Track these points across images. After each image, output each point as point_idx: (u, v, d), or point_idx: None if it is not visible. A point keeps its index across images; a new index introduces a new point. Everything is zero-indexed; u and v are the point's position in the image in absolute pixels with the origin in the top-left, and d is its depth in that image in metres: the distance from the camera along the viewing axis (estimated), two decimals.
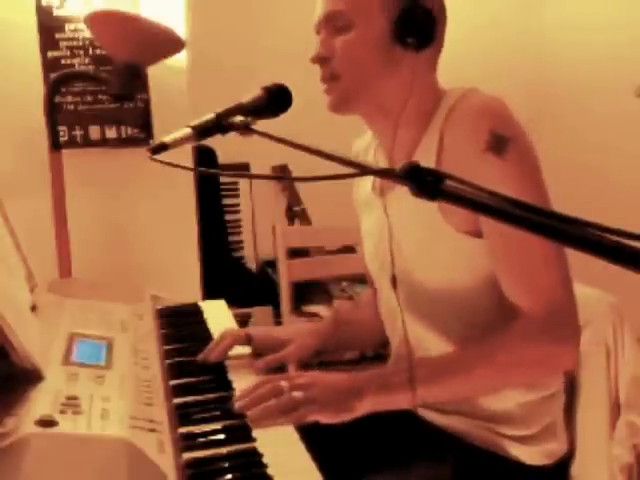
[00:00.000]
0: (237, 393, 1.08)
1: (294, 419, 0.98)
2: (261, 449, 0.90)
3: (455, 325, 1.12)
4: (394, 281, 1.16)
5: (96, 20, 1.87)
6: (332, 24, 1.10)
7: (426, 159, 1.07)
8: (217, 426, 0.97)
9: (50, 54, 2.16)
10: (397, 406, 1.04)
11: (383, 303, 1.26)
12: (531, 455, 1.13)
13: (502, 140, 1.00)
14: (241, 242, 3.29)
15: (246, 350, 1.28)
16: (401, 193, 1.12)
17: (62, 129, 2.17)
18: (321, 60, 1.11)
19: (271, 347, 1.27)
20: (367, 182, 1.25)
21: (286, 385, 1.02)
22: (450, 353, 1.08)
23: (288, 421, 0.98)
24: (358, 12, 1.08)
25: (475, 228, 1.05)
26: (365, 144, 1.28)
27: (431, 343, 1.15)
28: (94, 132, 2.22)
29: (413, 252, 1.13)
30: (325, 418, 1.00)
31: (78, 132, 2.21)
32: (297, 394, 1.00)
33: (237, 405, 1.01)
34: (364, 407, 1.01)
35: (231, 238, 3.25)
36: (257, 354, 1.27)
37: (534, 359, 1.03)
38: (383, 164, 1.19)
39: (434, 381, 1.04)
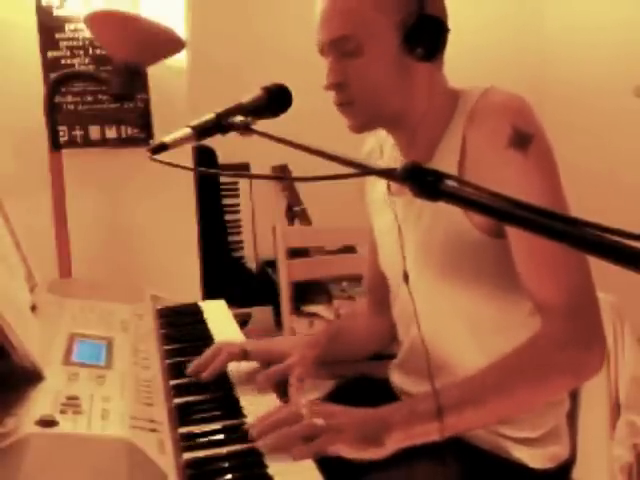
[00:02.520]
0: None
1: (314, 449, 0.90)
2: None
3: (475, 299, 1.10)
4: (406, 277, 1.16)
5: (96, 20, 1.87)
6: (339, 48, 1.08)
7: (449, 159, 1.07)
8: (217, 426, 0.97)
9: (50, 54, 2.16)
10: (430, 438, 0.96)
11: (396, 303, 1.26)
12: (534, 458, 1.12)
13: (524, 137, 1.00)
14: (241, 242, 3.29)
15: (252, 363, 1.22)
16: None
17: (62, 129, 2.18)
18: (336, 87, 1.10)
19: (269, 361, 1.21)
20: (381, 183, 1.24)
21: (306, 412, 0.94)
22: (477, 373, 1.01)
23: (307, 452, 0.89)
24: (366, 35, 1.06)
25: (496, 227, 1.04)
26: (380, 141, 1.27)
27: (446, 340, 1.14)
28: (94, 132, 2.23)
29: (433, 252, 1.12)
30: (350, 451, 0.92)
31: (78, 132, 2.21)
32: (318, 421, 0.93)
33: (251, 433, 0.93)
34: (394, 442, 0.94)
35: (231, 238, 3.26)
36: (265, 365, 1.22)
37: (564, 365, 1.00)
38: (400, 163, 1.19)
39: (466, 404, 0.98)
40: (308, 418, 0.93)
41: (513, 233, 1.03)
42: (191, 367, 1.15)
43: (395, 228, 1.18)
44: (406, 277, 1.15)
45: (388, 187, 1.22)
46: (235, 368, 1.19)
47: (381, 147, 1.27)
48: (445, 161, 1.07)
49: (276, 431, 0.91)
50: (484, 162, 1.03)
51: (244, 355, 1.20)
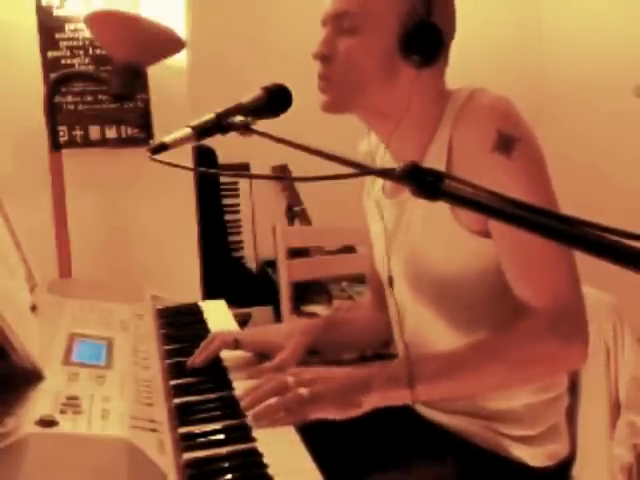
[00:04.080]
0: (239, 392, 1.08)
1: (299, 417, 0.97)
2: (261, 449, 0.90)
3: (458, 319, 1.12)
4: (390, 281, 1.16)
5: (96, 20, 1.87)
6: (339, 23, 1.09)
7: (437, 161, 1.07)
8: (217, 426, 0.97)
9: (50, 54, 2.16)
10: (404, 401, 1.02)
11: (389, 305, 1.27)
12: (534, 456, 1.12)
13: (509, 140, 1.01)
14: (241, 242, 3.29)
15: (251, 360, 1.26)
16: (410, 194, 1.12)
17: (62, 129, 2.18)
18: (322, 58, 1.10)
19: (261, 351, 1.26)
20: (376, 185, 1.25)
21: (292, 381, 1.01)
22: (458, 348, 1.06)
23: (293, 420, 0.97)
24: (367, 18, 1.06)
25: (485, 228, 1.05)
26: (375, 142, 1.27)
27: (434, 341, 1.15)
28: (94, 132, 2.23)
29: (423, 252, 1.13)
30: (331, 414, 0.99)
31: (78, 132, 2.21)
32: (302, 390, 0.99)
33: (242, 403, 1.01)
34: (371, 402, 1.00)
35: (231, 238, 3.25)
36: (261, 356, 1.25)
37: (542, 356, 1.02)
38: (391, 166, 1.19)
39: (441, 376, 1.03)
40: (294, 387, 1.00)
41: (499, 232, 1.03)
42: (189, 360, 1.20)
43: (387, 230, 1.18)
44: (390, 282, 1.16)
45: (383, 189, 1.23)
46: (235, 368, 1.20)
47: (376, 149, 1.27)
48: (434, 163, 1.06)
49: (263, 402, 0.98)
50: (470, 165, 1.03)
51: (236, 345, 1.25)
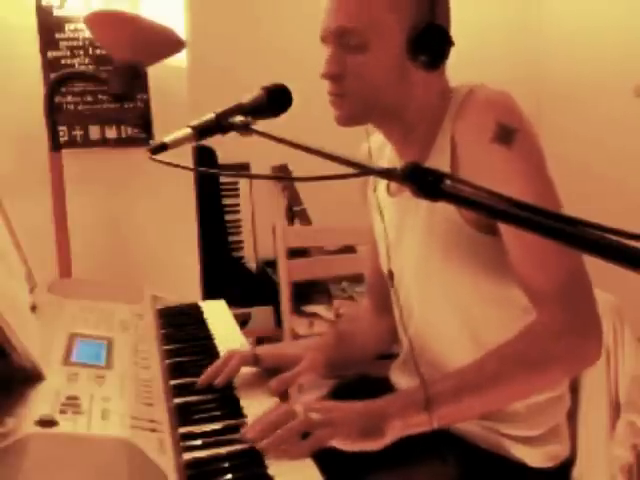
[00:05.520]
0: (248, 416, 1.01)
1: (312, 444, 0.90)
2: None
3: (464, 315, 1.12)
4: (391, 276, 1.16)
5: (96, 20, 1.87)
6: (344, 40, 1.07)
7: (442, 159, 1.07)
8: (217, 426, 0.97)
9: (50, 54, 2.16)
10: (426, 426, 0.96)
11: (393, 303, 1.26)
12: (534, 457, 1.12)
13: (509, 131, 1.00)
14: (241, 242, 3.29)
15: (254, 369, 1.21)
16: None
17: (62, 129, 2.17)
18: (332, 78, 1.09)
19: (281, 366, 1.20)
20: (382, 183, 1.25)
21: (301, 409, 0.95)
22: (473, 362, 1.02)
23: (306, 449, 0.90)
24: (374, 32, 1.05)
25: (489, 223, 1.04)
26: (380, 141, 1.26)
27: (443, 339, 1.15)
28: (94, 132, 2.23)
29: (431, 249, 1.12)
30: (349, 444, 0.93)
31: (78, 132, 2.21)
32: (314, 415, 0.93)
33: (248, 436, 0.92)
34: (394, 432, 0.95)
35: (231, 238, 3.26)
36: (268, 372, 1.20)
37: (562, 353, 1.00)
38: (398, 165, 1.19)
39: (460, 393, 0.99)
40: (303, 416, 0.93)
41: (506, 229, 1.03)
42: (202, 377, 1.12)
43: (391, 228, 1.18)
44: (391, 276, 1.15)
45: (387, 187, 1.23)
46: None
47: (381, 148, 1.26)
48: (439, 160, 1.07)
49: (273, 432, 0.91)
50: (471, 158, 1.04)
51: (256, 360, 1.19)
